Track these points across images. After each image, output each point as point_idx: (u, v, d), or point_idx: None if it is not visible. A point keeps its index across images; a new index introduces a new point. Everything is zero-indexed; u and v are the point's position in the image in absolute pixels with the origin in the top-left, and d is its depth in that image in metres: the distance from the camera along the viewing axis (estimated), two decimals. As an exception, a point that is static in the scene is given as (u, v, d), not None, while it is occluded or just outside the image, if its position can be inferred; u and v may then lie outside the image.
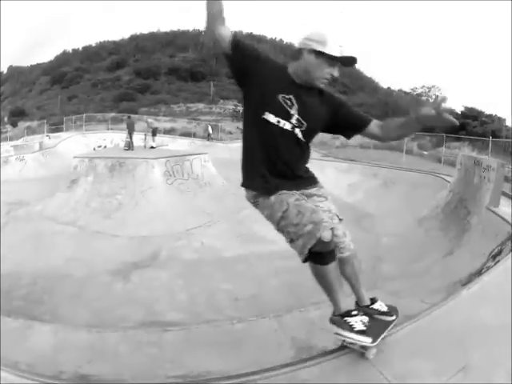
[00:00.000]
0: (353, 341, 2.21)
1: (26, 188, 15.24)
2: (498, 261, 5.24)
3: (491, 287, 3.83)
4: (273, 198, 2.18)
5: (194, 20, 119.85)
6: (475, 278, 4.50)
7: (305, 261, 2.08)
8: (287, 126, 2.11)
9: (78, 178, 13.22)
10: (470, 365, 2.46)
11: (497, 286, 3.82)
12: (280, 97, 2.09)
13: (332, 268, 2.09)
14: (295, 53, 2.14)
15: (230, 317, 5.75)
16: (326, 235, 1.97)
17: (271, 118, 2.09)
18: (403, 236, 9.34)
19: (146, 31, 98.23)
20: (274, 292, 6.76)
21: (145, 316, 5.99)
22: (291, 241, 2.13)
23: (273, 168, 2.18)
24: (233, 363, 3.35)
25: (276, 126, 2.10)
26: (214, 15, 2.05)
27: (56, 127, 36.34)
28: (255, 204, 2.36)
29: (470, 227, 7.70)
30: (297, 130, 2.14)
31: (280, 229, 2.19)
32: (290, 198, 2.13)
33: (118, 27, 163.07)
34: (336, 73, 2.11)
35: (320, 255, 2.02)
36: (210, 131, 32.09)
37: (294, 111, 2.11)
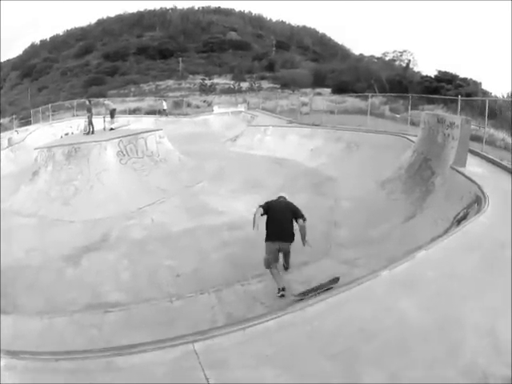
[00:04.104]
0: None
1: (-2, 186, 15.12)
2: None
3: (425, 269, 3.03)
4: None
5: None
6: (406, 256, 3.50)
7: None
8: None
9: (39, 169, 13.05)
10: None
11: (433, 268, 3.04)
12: None
13: None
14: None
15: (170, 294, 5.91)
16: None
17: None
18: (364, 199, 9.04)
19: (112, 14, 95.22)
20: (218, 265, 6.80)
21: (91, 298, 6.10)
22: None
23: None
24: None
25: None
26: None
27: (26, 121, 35.71)
28: None
29: (433, 189, 7.38)
30: None
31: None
32: None
33: (84, 13, 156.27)
34: None
35: None
36: (165, 107, 31.86)
37: None
